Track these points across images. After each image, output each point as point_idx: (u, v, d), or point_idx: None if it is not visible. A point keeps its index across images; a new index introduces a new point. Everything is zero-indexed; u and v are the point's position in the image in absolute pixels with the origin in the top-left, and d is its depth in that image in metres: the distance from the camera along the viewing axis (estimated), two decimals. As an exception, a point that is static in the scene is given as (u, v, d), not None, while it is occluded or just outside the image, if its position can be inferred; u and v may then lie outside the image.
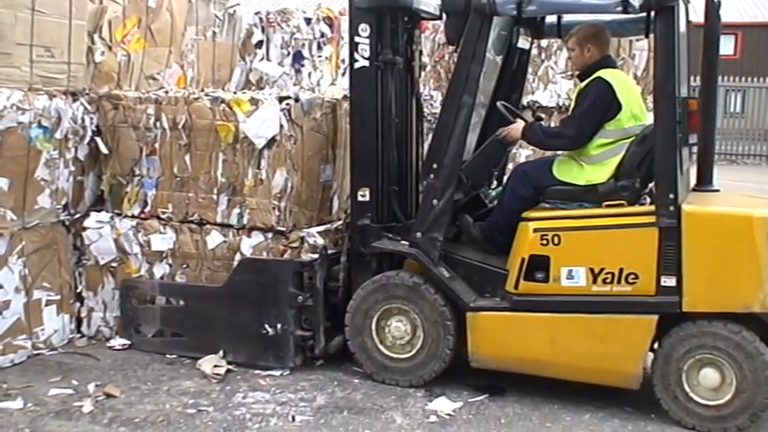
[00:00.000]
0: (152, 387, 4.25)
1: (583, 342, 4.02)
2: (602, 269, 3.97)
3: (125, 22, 5.24)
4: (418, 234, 4.27)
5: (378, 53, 4.37)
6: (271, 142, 4.58)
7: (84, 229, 4.91)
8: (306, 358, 4.55)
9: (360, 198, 4.46)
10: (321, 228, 4.79)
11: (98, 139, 4.95)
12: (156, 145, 4.84)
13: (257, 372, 4.47)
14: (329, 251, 4.59)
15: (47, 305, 4.71)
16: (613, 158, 4.15)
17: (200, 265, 4.78)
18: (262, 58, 6.77)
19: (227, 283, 4.57)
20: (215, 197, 4.76)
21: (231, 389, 4.26)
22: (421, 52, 4.80)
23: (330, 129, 4.91)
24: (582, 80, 4.34)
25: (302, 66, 6.82)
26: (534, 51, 6.28)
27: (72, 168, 4.84)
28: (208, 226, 4.77)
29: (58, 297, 4.78)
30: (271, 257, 4.61)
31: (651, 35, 4.16)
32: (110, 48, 5.14)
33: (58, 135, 4.66)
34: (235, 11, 6.64)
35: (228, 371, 4.45)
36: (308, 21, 6.91)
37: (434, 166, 4.23)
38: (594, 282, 3.97)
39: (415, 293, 4.26)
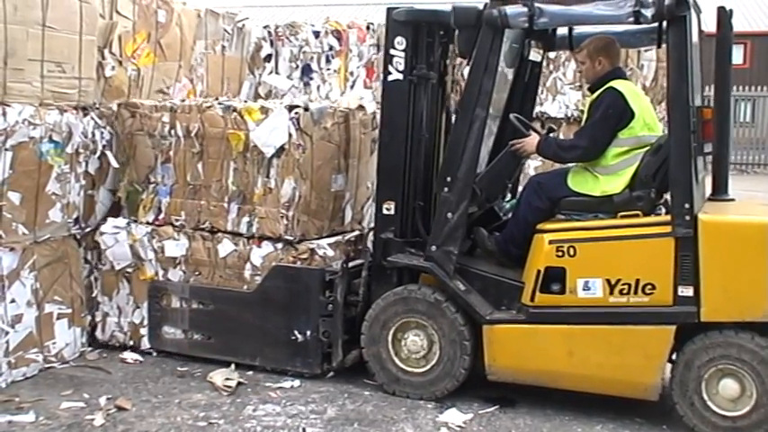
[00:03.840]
0: (163, 400, 4.26)
1: (600, 353, 4.00)
2: (618, 280, 3.95)
3: (135, 36, 5.29)
4: (433, 247, 4.26)
5: (412, 67, 4.36)
6: (280, 151, 4.60)
7: (101, 234, 4.95)
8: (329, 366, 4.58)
9: (384, 211, 4.47)
10: (332, 239, 4.80)
11: (109, 153, 4.99)
12: (171, 153, 4.89)
13: (268, 384, 4.47)
14: (350, 264, 4.58)
15: (58, 318, 4.73)
16: (628, 168, 4.14)
17: (212, 272, 4.80)
18: (271, 72, 6.80)
19: (258, 289, 4.61)
20: (226, 205, 4.78)
21: (242, 401, 4.26)
22: (454, 67, 4.78)
23: (342, 138, 4.91)
24: (593, 92, 4.34)
25: (311, 79, 6.84)
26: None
27: (83, 182, 4.88)
28: (219, 234, 4.79)
29: (70, 310, 4.80)
30: (301, 266, 4.60)
31: (663, 45, 4.15)
32: (120, 62, 5.19)
33: (68, 149, 4.70)
34: (244, 25, 6.68)
35: (239, 383, 4.45)
36: (317, 34, 6.94)
37: (448, 179, 4.23)
38: (611, 293, 3.96)
39: (435, 310, 4.24)
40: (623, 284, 3.94)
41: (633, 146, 4.16)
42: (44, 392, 4.30)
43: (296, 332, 4.51)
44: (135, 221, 4.98)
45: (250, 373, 4.63)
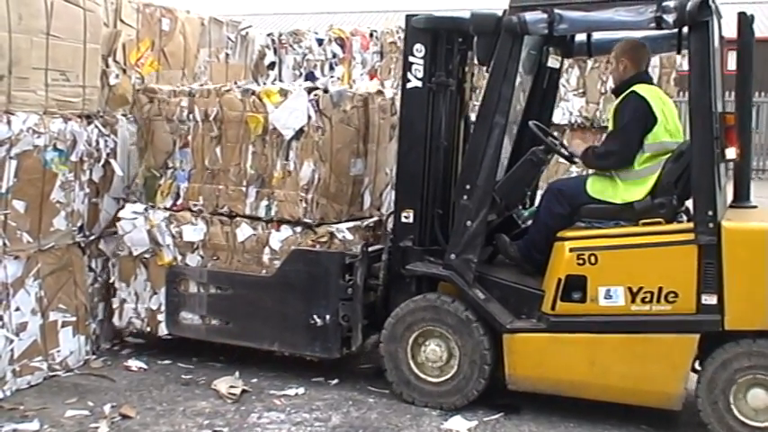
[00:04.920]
0: (167, 408, 4.25)
1: (623, 363, 3.96)
2: (640, 288, 3.91)
3: (139, 45, 5.30)
4: (452, 256, 4.23)
5: (431, 74, 4.35)
6: (299, 133, 4.56)
7: (119, 219, 4.96)
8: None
9: (403, 219, 4.45)
10: (351, 223, 4.74)
11: (113, 161, 5.00)
12: (189, 137, 4.88)
13: (272, 392, 4.46)
14: (369, 248, 4.56)
15: (63, 327, 4.72)
16: (651, 176, 4.11)
17: (231, 256, 4.77)
18: (274, 80, 6.82)
19: (277, 273, 4.59)
20: (244, 189, 4.75)
21: (246, 409, 4.25)
22: (472, 74, 4.75)
23: (361, 122, 4.84)
24: (617, 95, 4.32)
25: (315, 86, 6.85)
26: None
27: (87, 190, 4.88)
28: (238, 218, 4.76)
29: (74, 318, 4.80)
30: (321, 249, 4.56)
31: (684, 51, 4.13)
32: (124, 71, 5.20)
33: (73, 158, 4.70)
34: (247, 32, 6.70)
35: (244, 391, 4.44)
36: (320, 42, 6.97)
37: (467, 186, 4.20)
38: (633, 301, 3.92)
39: (463, 327, 4.19)
40: (645, 293, 3.90)
41: (656, 152, 4.13)
42: (48, 401, 4.29)
43: (315, 316, 4.48)
44: (153, 207, 4.97)
45: (254, 380, 4.62)
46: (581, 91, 6.83)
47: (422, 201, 4.43)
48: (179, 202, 4.94)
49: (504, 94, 4.12)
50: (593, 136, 6.99)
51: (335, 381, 4.61)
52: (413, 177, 4.43)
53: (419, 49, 4.35)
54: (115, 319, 5.07)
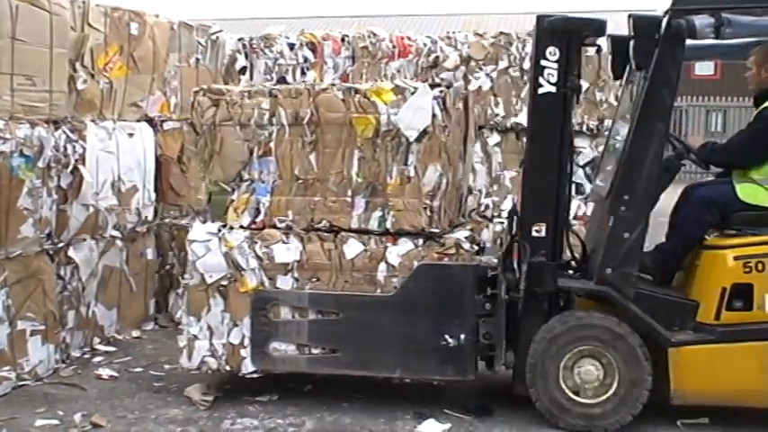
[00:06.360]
0: (139, 416, 4.21)
1: None
2: None
3: (107, 49, 5.25)
4: (608, 270, 4.06)
5: (565, 79, 4.13)
6: (421, 135, 4.26)
7: (190, 242, 4.41)
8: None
9: (534, 234, 4.16)
10: (465, 232, 4.48)
11: (81, 167, 4.93)
12: (272, 144, 4.39)
13: (245, 398, 4.43)
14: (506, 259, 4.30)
15: (31, 335, 4.65)
16: None
17: (335, 276, 4.31)
18: (244, 82, 6.78)
19: (400, 292, 4.21)
20: (349, 200, 4.34)
21: (219, 416, 4.21)
22: (580, 77, 4.48)
23: (464, 122, 4.65)
24: (757, 102, 4.30)
25: (286, 91, 6.82)
26: (517, 74, 6.36)
27: (55, 197, 4.81)
28: (342, 233, 4.33)
29: (43, 327, 4.73)
30: (452, 262, 4.26)
31: None
32: (92, 75, 5.14)
33: (40, 164, 4.63)
34: (218, 37, 6.67)
35: (216, 398, 4.40)
36: (292, 46, 6.94)
37: (626, 197, 4.06)
38: None
39: (622, 344, 4.02)
40: None
41: None
42: (17, 410, 4.23)
43: (447, 336, 4.14)
44: (224, 226, 4.46)
45: (228, 386, 4.58)
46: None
47: (555, 213, 4.20)
48: (259, 218, 4.41)
49: (665, 101, 4.01)
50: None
51: (309, 386, 4.59)
52: (546, 188, 4.18)
53: (552, 52, 4.10)
54: (183, 361, 4.44)
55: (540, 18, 4.17)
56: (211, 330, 4.40)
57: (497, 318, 4.13)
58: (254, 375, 4.37)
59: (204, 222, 4.49)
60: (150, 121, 5.83)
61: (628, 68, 4.38)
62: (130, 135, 5.52)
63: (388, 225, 4.30)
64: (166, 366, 4.94)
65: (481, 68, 6.44)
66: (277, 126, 4.38)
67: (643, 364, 4.01)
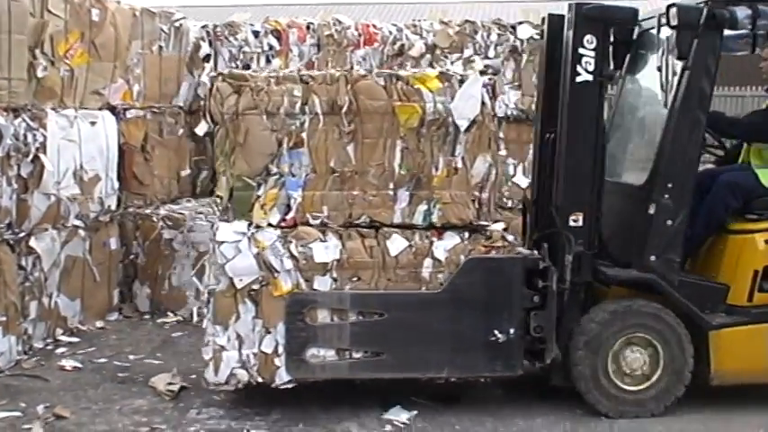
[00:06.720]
0: (103, 407, 4.18)
1: None
2: None
3: (67, 36, 5.16)
4: (652, 257, 4.13)
5: (602, 68, 4.15)
6: (470, 124, 4.14)
7: (219, 243, 4.03)
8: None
9: (572, 223, 4.18)
10: (502, 224, 4.47)
11: (42, 156, 4.86)
12: (304, 135, 4.07)
13: (211, 387, 4.38)
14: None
15: (-8, 327, 4.60)
16: None
17: (377, 274, 4.08)
18: (210, 72, 6.73)
19: (448, 288, 4.05)
20: (391, 193, 4.12)
21: (184, 406, 4.20)
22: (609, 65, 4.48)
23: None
24: None
25: (251, 79, 6.79)
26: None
27: (15, 186, 4.74)
28: (384, 229, 4.13)
29: (4, 318, 4.66)
30: (500, 255, 4.16)
31: None
32: (52, 63, 5.05)
33: None
34: (181, 24, 6.61)
35: (182, 387, 4.39)
36: (256, 34, 6.92)
37: (669, 185, 4.12)
38: None
39: (668, 331, 4.13)
40: None
41: None
42: (-22, 403, 4.18)
43: (496, 331, 4.04)
44: (249, 224, 4.11)
45: (193, 376, 4.55)
46: (517, 84, 6.90)
47: (592, 202, 4.22)
48: (290, 215, 4.09)
49: (705, 90, 4.09)
50: (528, 128, 7.08)
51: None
52: (583, 178, 4.21)
53: (590, 41, 4.10)
54: (209, 375, 4.07)
55: (577, 6, 4.15)
56: (241, 339, 4.06)
57: (548, 310, 4.08)
58: (290, 386, 4.09)
59: (228, 221, 4.14)
60: (113, 109, 5.76)
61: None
62: (92, 123, 5.45)
63: (435, 219, 4.15)
64: (131, 357, 4.90)
65: (446, 57, 6.47)
66: (310, 115, 4.07)
67: (687, 347, 4.14)
